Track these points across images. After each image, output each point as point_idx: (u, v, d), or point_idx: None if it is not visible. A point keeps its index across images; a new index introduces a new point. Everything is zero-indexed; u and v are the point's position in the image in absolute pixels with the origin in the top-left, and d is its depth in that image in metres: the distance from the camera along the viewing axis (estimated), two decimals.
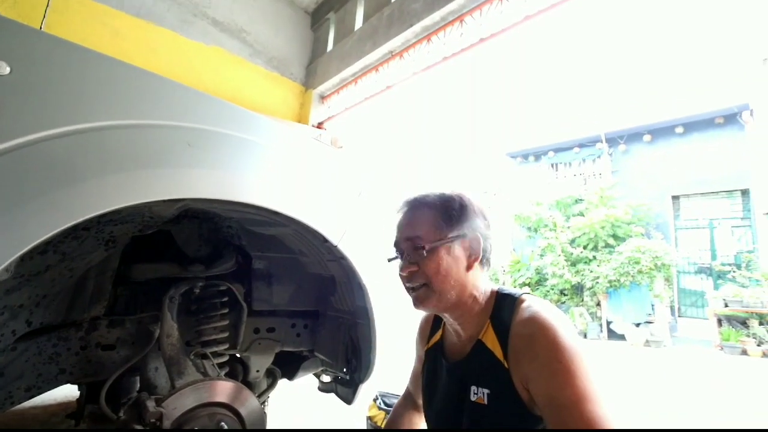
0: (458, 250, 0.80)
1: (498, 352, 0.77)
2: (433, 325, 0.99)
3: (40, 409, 2.05)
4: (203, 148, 1.05)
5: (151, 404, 0.96)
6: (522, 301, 0.80)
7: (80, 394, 1.41)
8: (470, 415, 0.79)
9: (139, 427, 0.97)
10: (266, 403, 1.60)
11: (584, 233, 8.35)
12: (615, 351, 6.06)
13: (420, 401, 1.00)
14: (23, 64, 0.85)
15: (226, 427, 1.05)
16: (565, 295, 8.44)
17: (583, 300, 8.18)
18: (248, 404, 1.12)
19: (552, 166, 11.15)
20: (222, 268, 1.34)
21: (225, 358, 1.36)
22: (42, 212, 0.80)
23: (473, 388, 0.79)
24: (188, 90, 1.11)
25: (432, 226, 0.80)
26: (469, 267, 0.81)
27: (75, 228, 0.84)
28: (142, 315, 1.30)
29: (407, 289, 0.84)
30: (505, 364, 0.75)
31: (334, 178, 1.31)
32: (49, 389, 1.18)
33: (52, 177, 0.83)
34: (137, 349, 1.26)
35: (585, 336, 7.45)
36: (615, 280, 7.45)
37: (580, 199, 9.32)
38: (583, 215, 8.75)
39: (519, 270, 9.47)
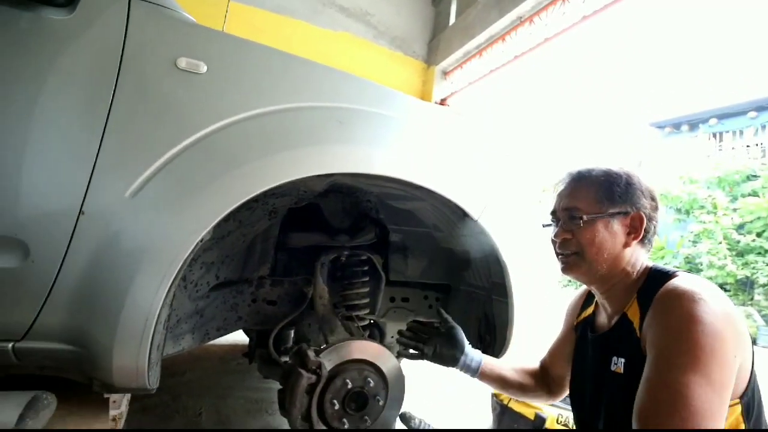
0: (617, 226, 0.81)
1: (636, 322, 0.77)
2: (585, 300, 1.00)
3: (218, 347, 2.54)
4: (351, 126, 1.12)
5: (311, 354, 1.10)
6: (674, 276, 0.77)
7: (250, 339, 1.68)
8: (608, 386, 0.81)
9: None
10: None
11: (759, 217, 6.82)
12: None
13: (555, 373, 1.07)
14: (216, 64, 1.01)
15: (372, 383, 1.14)
16: (726, 290, 7.09)
17: (752, 298, 6.78)
18: (390, 364, 1.20)
19: (714, 136, 9.28)
20: (364, 239, 1.44)
21: (365, 322, 1.48)
22: (231, 187, 0.96)
23: (613, 359, 0.81)
24: (334, 72, 1.20)
25: (593, 200, 0.82)
26: (626, 244, 0.81)
27: (248, 200, 0.99)
28: (298, 278, 1.48)
29: (557, 254, 0.87)
30: (638, 333, 0.75)
31: (473, 150, 1.29)
32: (232, 331, 1.44)
33: (235, 157, 0.98)
34: (294, 307, 1.45)
35: (754, 342, 6.20)
36: None
37: (754, 175, 7.60)
38: (758, 195, 7.13)
39: (663, 258, 8.23)
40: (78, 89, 0.89)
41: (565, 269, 0.86)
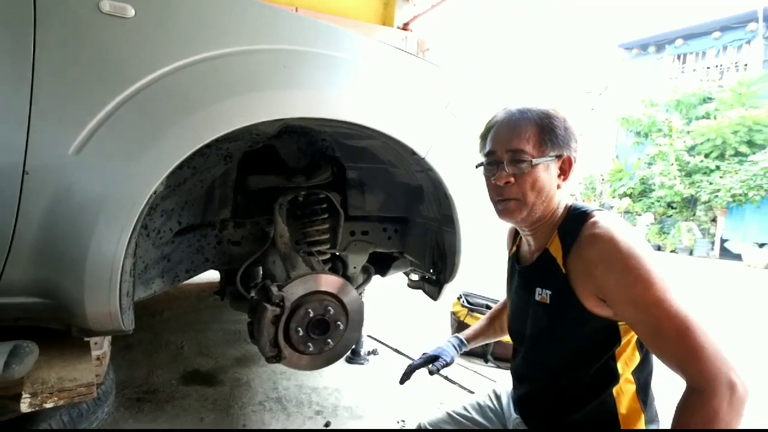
0: (554, 169, 0.83)
1: (559, 258, 0.82)
2: (513, 236, 1.05)
3: (193, 286, 2.64)
4: (297, 69, 1.12)
5: (274, 289, 1.20)
6: (591, 216, 0.81)
7: (221, 277, 1.77)
8: (534, 314, 0.88)
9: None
10: (362, 295, 1.85)
11: (708, 139, 7.19)
12: (728, 272, 5.54)
13: None
14: (144, 6, 0.96)
15: (332, 311, 1.27)
16: (673, 208, 7.65)
17: (694, 214, 7.37)
18: (350, 295, 1.33)
19: (678, 57, 9.35)
20: (320, 178, 1.49)
21: (327, 256, 1.58)
22: (181, 136, 0.97)
23: (537, 290, 0.86)
24: (277, 11, 1.16)
25: (536, 142, 0.82)
26: (558, 186, 0.84)
27: (200, 147, 1.00)
28: (259, 218, 1.54)
29: (496, 200, 0.86)
30: (563, 270, 0.81)
31: (421, 90, 1.31)
32: (201, 273, 1.51)
33: (183, 106, 0.98)
34: (258, 246, 1.53)
35: (691, 253, 6.87)
36: (741, 195, 6.50)
37: (709, 98, 7.86)
38: (711, 117, 7.44)
39: (620, 179, 8.67)
40: None
41: (504, 214, 0.86)
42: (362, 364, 1.96)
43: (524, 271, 0.94)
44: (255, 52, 1.09)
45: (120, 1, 0.93)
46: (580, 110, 12.04)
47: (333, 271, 1.67)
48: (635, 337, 0.78)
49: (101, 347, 1.23)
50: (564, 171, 0.84)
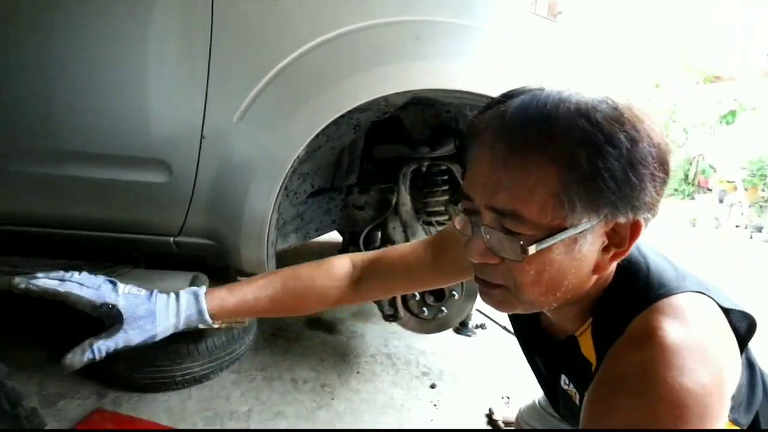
0: (588, 243, 0.46)
1: (593, 360, 0.55)
2: None
3: (316, 244, 2.93)
4: (428, 40, 1.11)
5: None
6: (657, 304, 0.48)
7: (343, 239, 1.94)
8: (564, 401, 0.67)
9: None
10: None
11: None
12: None
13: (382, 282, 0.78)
14: None
15: None
16: None
17: None
18: None
19: None
20: (443, 150, 1.49)
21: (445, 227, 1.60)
22: (321, 107, 1.07)
23: (564, 378, 0.64)
24: None
25: (553, 203, 0.44)
26: (599, 268, 0.49)
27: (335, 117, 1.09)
28: (382, 186, 1.61)
29: (477, 279, 0.54)
30: (594, 368, 0.55)
31: (557, 59, 1.20)
32: (327, 232, 1.68)
33: (323, 79, 1.07)
34: (380, 212, 1.62)
35: None
36: None
37: None
38: None
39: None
40: (180, 25, 1.02)
41: (493, 303, 0.54)
42: (469, 336, 1.98)
43: (545, 346, 0.68)
44: (389, 25, 1.11)
45: None
46: (758, 77, 9.67)
47: None
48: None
49: None
50: (621, 240, 0.47)
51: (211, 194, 1.12)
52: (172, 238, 1.17)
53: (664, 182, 0.45)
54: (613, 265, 0.51)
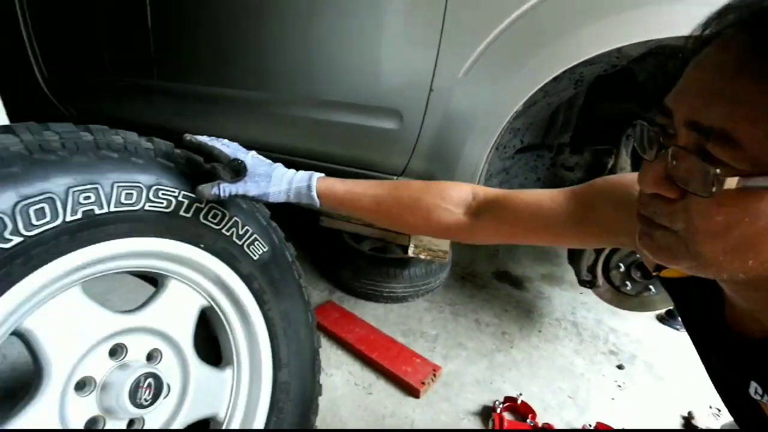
0: None
1: None
2: None
3: None
4: None
5: None
6: None
7: None
8: (752, 413, 0.52)
9: None
10: None
11: None
12: None
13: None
14: None
15: None
16: None
17: None
18: None
19: None
20: None
21: None
22: (545, 62, 1.06)
23: (754, 386, 0.49)
24: None
25: None
26: None
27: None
28: (599, 147, 1.50)
29: (640, 216, 0.43)
30: None
31: None
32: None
33: (550, 32, 1.04)
34: (590, 175, 1.52)
35: None
36: None
37: None
38: None
39: None
40: None
41: (648, 247, 0.43)
42: (677, 329, 1.72)
43: (728, 344, 0.53)
44: None
45: None
46: None
47: None
48: None
49: None
50: None
51: (432, 142, 1.27)
52: (396, 177, 1.40)
53: None
54: None
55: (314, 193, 0.71)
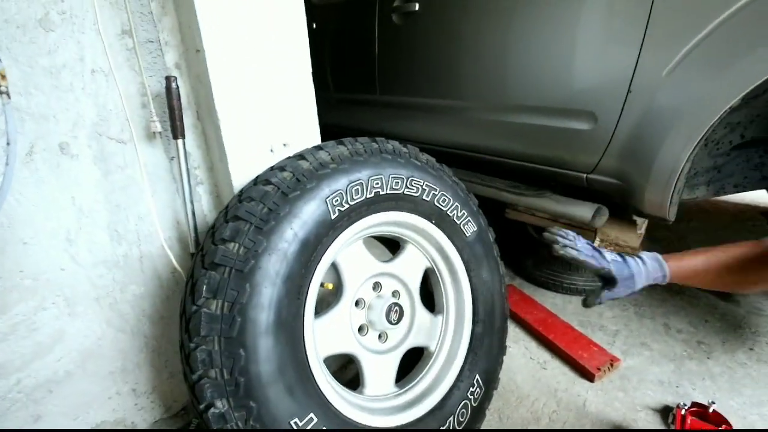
0: None
1: None
2: None
3: (731, 205, 2.52)
4: None
5: None
6: None
7: None
8: None
9: None
10: None
11: None
12: None
13: None
14: None
15: None
16: None
17: None
18: None
19: None
20: None
21: None
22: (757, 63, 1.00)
23: None
24: None
25: None
26: None
27: None
28: None
29: None
30: None
31: None
32: (750, 190, 1.50)
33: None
34: None
35: None
36: None
37: None
38: None
39: None
40: None
41: None
42: None
43: None
44: None
45: None
46: None
47: None
48: None
49: (640, 228, 1.60)
50: None
51: (627, 141, 1.31)
52: (585, 175, 1.47)
53: None
54: None
55: (668, 278, 0.89)
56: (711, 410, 1.21)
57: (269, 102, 1.00)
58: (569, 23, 1.35)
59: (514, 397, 1.35)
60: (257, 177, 0.89)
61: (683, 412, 1.21)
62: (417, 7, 1.74)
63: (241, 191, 0.87)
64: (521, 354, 1.54)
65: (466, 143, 1.83)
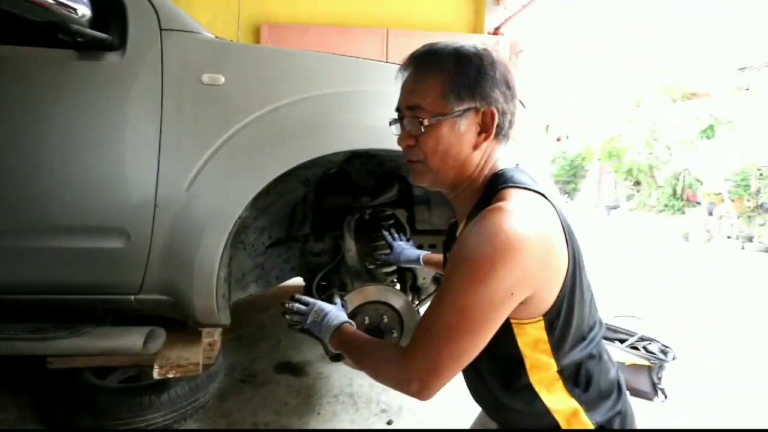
0: (465, 125, 0.71)
1: None
2: None
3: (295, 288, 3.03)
4: (349, 109, 1.30)
5: (337, 297, 1.39)
6: (504, 191, 0.68)
7: (305, 285, 2.06)
8: None
9: None
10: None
11: None
12: None
13: None
14: (230, 73, 1.24)
15: (386, 319, 1.41)
16: None
17: None
18: (402, 302, 1.44)
19: None
20: (384, 198, 1.65)
21: (394, 268, 1.73)
22: (255, 175, 1.23)
23: None
24: (339, 60, 1.36)
25: (438, 96, 0.70)
26: (476, 146, 0.72)
27: (281, 175, 1.25)
28: (335, 233, 1.75)
29: (406, 162, 0.78)
30: None
31: None
32: (288, 279, 1.80)
33: (255, 150, 1.23)
34: (334, 258, 1.75)
35: None
36: None
37: None
38: None
39: None
40: (137, 114, 1.20)
41: (414, 177, 0.78)
42: None
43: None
44: (320, 97, 1.30)
45: (215, 73, 1.22)
46: (731, 91, 10.20)
47: (402, 282, 1.82)
48: (542, 322, 0.68)
49: (212, 336, 1.56)
50: (487, 126, 0.71)
51: (166, 254, 1.25)
52: (133, 297, 1.29)
53: (510, 94, 0.73)
54: (497, 154, 0.76)
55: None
56: None
57: None
58: (95, 136, 1.22)
59: None
60: None
61: None
62: None
63: None
64: None
65: None
